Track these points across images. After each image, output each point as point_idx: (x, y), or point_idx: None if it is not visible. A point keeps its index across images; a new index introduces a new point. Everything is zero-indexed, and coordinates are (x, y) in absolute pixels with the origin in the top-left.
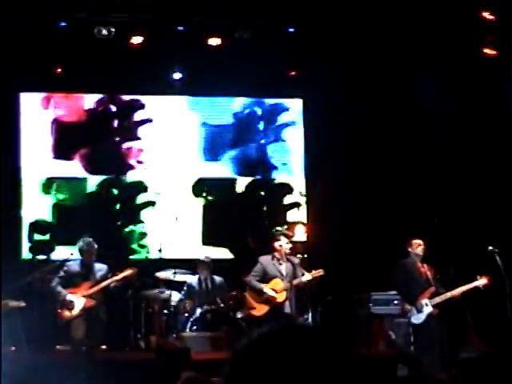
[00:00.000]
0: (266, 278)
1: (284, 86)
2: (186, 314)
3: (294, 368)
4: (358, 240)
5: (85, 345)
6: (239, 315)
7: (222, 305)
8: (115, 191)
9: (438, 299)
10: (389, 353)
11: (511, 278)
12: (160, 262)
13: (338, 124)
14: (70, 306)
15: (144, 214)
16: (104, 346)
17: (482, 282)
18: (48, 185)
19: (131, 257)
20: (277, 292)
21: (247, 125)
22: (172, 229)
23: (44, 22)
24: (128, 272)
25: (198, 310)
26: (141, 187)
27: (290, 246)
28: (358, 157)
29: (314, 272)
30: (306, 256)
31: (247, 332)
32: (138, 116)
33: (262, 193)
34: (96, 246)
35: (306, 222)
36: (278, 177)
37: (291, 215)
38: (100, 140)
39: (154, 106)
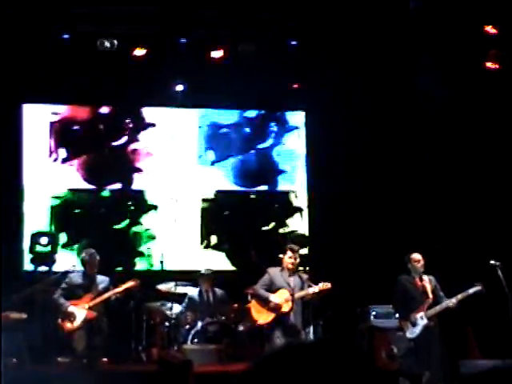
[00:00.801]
0: (272, 288)
1: (286, 99)
2: (188, 327)
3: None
4: (359, 253)
5: (86, 357)
6: (241, 327)
7: (223, 317)
8: (121, 200)
9: (433, 311)
10: (391, 366)
11: None
12: (161, 273)
13: (340, 136)
14: (71, 317)
15: (147, 221)
16: (105, 358)
17: (476, 288)
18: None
19: (135, 268)
20: (283, 302)
21: (252, 127)
22: (173, 236)
23: (47, 34)
24: (130, 284)
25: (200, 323)
26: (141, 197)
27: (298, 260)
28: (359, 169)
29: (321, 285)
30: (307, 269)
31: (249, 345)
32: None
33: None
34: (98, 257)
35: (307, 234)
36: (281, 186)
37: (293, 225)
38: (101, 146)
39: (155, 114)
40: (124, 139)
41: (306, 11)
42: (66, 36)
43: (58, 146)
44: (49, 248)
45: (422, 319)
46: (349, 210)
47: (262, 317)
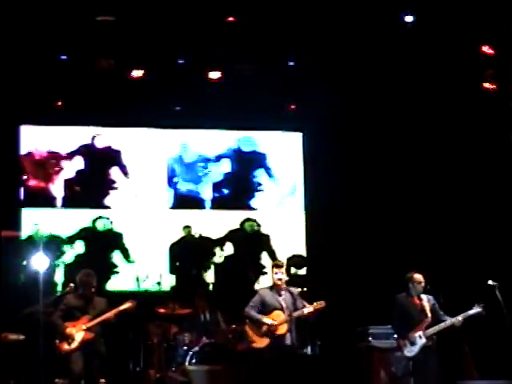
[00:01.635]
0: (265, 309)
1: (284, 120)
2: (186, 347)
3: None
4: (358, 273)
5: (83, 378)
6: (239, 348)
7: (220, 338)
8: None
9: (431, 331)
10: None
11: (511, 312)
12: (159, 294)
13: (337, 155)
14: (69, 339)
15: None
16: (103, 380)
17: (476, 310)
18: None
19: (130, 289)
20: (277, 324)
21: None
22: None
23: (44, 54)
24: (127, 305)
25: (198, 343)
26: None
27: (285, 276)
28: (357, 189)
29: (315, 304)
30: (305, 289)
31: (247, 365)
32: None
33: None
34: (95, 278)
35: (305, 255)
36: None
37: (290, 249)
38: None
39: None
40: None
41: (303, 32)
42: (63, 57)
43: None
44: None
45: (420, 338)
46: (347, 230)
47: (259, 341)
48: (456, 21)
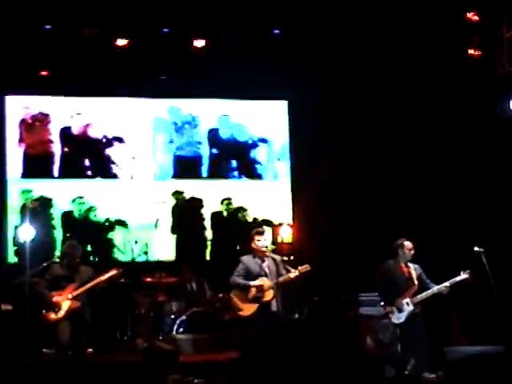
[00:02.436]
0: (250, 277)
1: (269, 88)
2: (173, 316)
3: (304, 361)
4: (345, 241)
5: (71, 348)
6: (225, 317)
7: (207, 307)
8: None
9: (419, 298)
10: (377, 354)
11: (497, 278)
12: (146, 264)
13: (323, 125)
14: (55, 308)
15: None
16: (90, 349)
17: (463, 276)
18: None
19: (117, 258)
20: (264, 290)
21: (218, 163)
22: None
23: (29, 24)
24: (113, 272)
25: (184, 312)
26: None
27: (266, 243)
28: (345, 157)
29: (300, 268)
30: (292, 257)
31: (234, 334)
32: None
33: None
34: (80, 248)
35: (291, 223)
36: (263, 184)
37: (277, 216)
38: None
39: (137, 109)
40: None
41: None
42: (48, 26)
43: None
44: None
45: (408, 305)
46: (335, 199)
47: (245, 308)
48: None
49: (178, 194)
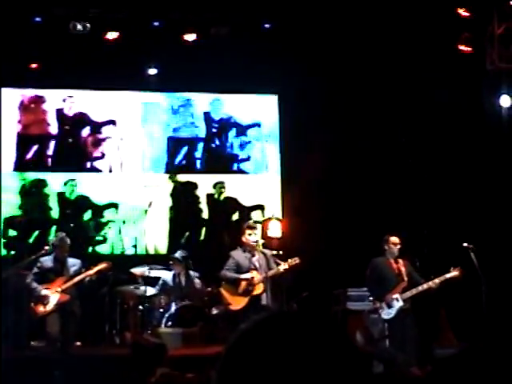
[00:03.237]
0: (240, 271)
1: (259, 83)
2: (161, 310)
3: (291, 355)
4: (334, 236)
5: (60, 340)
6: (215, 311)
7: (196, 300)
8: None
9: (408, 293)
10: (366, 349)
11: (486, 274)
12: (135, 257)
13: (313, 120)
14: (44, 301)
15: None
16: (79, 342)
17: (453, 273)
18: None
19: (106, 252)
20: (254, 284)
21: (215, 141)
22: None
23: (19, 17)
24: (102, 266)
25: (173, 306)
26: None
27: (257, 238)
28: (335, 152)
29: (290, 261)
30: (281, 252)
31: (223, 327)
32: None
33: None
34: (69, 241)
35: (281, 217)
36: (249, 177)
37: (266, 212)
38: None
39: (127, 102)
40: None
41: None
42: (38, 19)
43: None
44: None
45: (397, 301)
46: (324, 193)
47: (235, 302)
48: None
49: (174, 177)
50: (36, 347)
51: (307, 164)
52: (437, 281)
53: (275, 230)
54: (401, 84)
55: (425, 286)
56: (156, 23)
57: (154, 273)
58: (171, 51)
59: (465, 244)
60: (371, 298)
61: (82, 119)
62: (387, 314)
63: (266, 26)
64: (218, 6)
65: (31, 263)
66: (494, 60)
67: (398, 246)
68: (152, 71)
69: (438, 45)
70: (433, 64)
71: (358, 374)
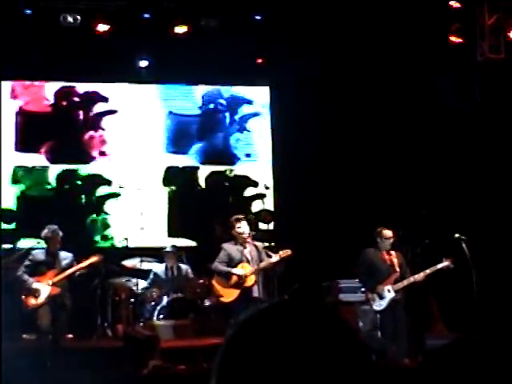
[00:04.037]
0: (232, 263)
1: (251, 74)
2: (153, 303)
3: (293, 344)
4: (326, 227)
5: (51, 333)
6: (207, 303)
7: (188, 293)
8: (77, 182)
9: (400, 284)
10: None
11: (477, 265)
12: (126, 250)
13: (304, 112)
14: (35, 293)
15: (108, 206)
16: (70, 335)
17: (444, 263)
18: (14, 174)
19: (99, 245)
20: (245, 276)
21: (212, 117)
22: (138, 221)
23: (8, 8)
24: (94, 259)
25: (165, 299)
26: (102, 179)
27: (247, 229)
28: (326, 144)
29: (281, 252)
30: (273, 244)
31: (215, 319)
32: (101, 107)
33: (226, 183)
34: (61, 233)
35: (272, 209)
36: (243, 167)
37: (257, 204)
38: (63, 131)
39: (120, 94)
40: (84, 123)
41: None
42: (28, 11)
43: (24, 137)
44: (13, 226)
45: (389, 292)
46: (315, 186)
47: (227, 294)
48: None
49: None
50: (27, 339)
51: (299, 155)
52: (428, 271)
53: (267, 223)
54: (392, 75)
55: (416, 276)
56: (146, 15)
57: (146, 265)
58: (162, 43)
59: (456, 235)
60: (363, 290)
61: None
62: (379, 305)
63: (257, 17)
64: None
65: (23, 256)
66: (485, 51)
67: (391, 240)
68: (143, 63)
69: (430, 35)
70: (424, 54)
71: (361, 363)
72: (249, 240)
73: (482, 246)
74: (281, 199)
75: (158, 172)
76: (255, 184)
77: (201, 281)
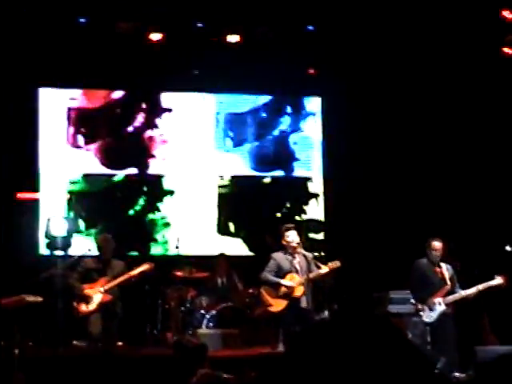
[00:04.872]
0: (281, 273)
1: (302, 85)
2: (203, 311)
3: (353, 357)
4: (377, 238)
5: (101, 340)
6: (255, 312)
7: (237, 302)
8: (137, 185)
9: (451, 298)
10: None
11: None
12: (177, 258)
13: (356, 122)
14: (87, 300)
15: (164, 206)
16: (120, 342)
17: (497, 281)
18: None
19: (150, 253)
20: (295, 286)
21: (267, 119)
22: (189, 221)
23: (64, 17)
24: (145, 267)
25: (214, 308)
26: (159, 181)
27: (297, 238)
28: (376, 155)
29: (330, 264)
30: (322, 254)
31: (263, 329)
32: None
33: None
34: (113, 242)
35: (323, 219)
36: (297, 172)
37: (310, 212)
38: (118, 130)
39: (172, 100)
40: (140, 124)
41: None
42: (82, 20)
43: (76, 132)
44: (65, 233)
45: (440, 305)
46: (366, 196)
47: (275, 304)
48: None
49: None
50: (78, 346)
51: (349, 166)
52: (480, 287)
53: (317, 233)
54: (444, 88)
55: (468, 291)
56: (199, 24)
57: (196, 273)
58: (214, 52)
59: (508, 247)
60: (413, 301)
61: None
62: (429, 317)
63: (310, 28)
64: (261, 8)
65: (75, 263)
66: None
67: (439, 253)
68: (195, 72)
69: (482, 47)
70: (476, 67)
71: (426, 373)
72: (298, 250)
73: None
74: (331, 209)
75: (210, 170)
76: (309, 194)
77: (250, 290)
